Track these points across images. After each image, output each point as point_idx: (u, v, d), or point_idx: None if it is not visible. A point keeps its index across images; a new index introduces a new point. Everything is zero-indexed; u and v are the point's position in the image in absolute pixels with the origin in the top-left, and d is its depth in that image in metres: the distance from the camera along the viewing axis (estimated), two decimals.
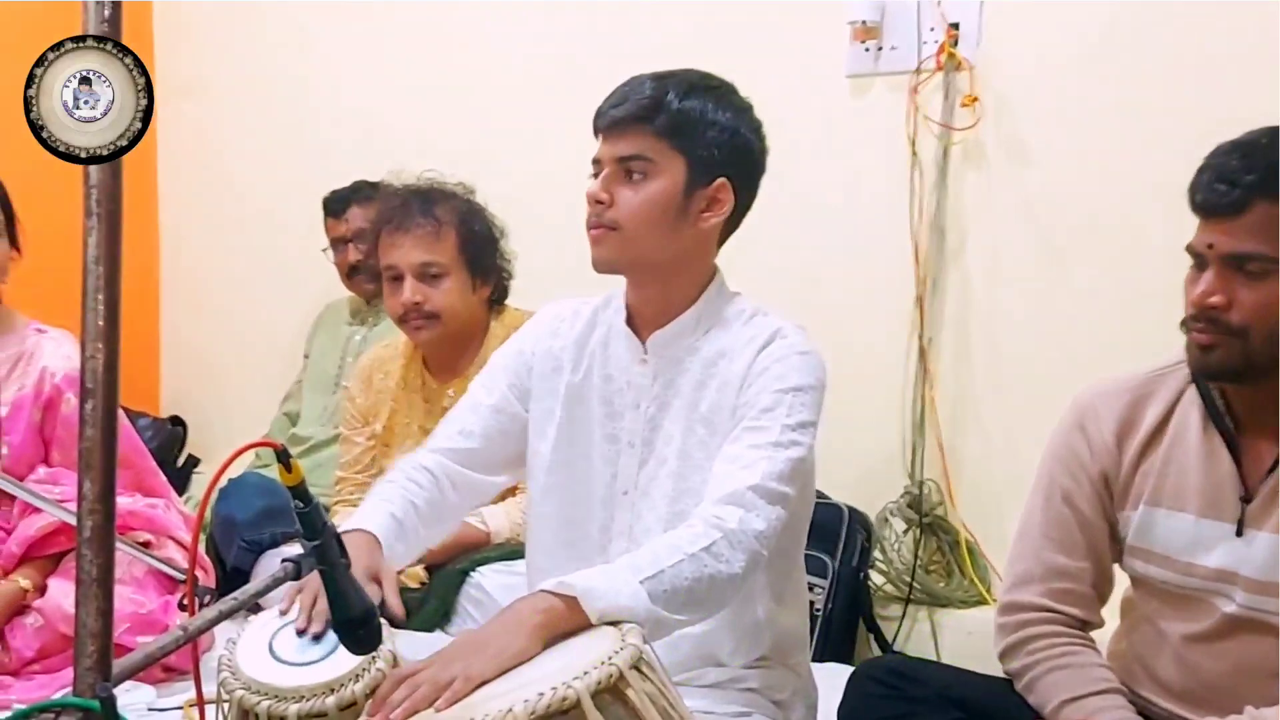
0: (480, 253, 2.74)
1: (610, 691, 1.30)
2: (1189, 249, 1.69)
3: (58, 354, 2.57)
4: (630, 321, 1.91)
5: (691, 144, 1.81)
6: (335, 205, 3.57)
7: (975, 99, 2.88)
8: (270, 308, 4.20)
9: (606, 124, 1.83)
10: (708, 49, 3.18)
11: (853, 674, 1.92)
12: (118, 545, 2.43)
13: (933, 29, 2.94)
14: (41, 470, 2.55)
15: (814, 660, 2.13)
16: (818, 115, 3.12)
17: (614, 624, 1.46)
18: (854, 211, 3.10)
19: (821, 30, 3.11)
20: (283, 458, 1.32)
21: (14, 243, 2.57)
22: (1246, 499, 1.71)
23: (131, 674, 1.02)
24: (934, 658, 2.83)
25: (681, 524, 1.67)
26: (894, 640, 2.91)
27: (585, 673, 1.30)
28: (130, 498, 2.57)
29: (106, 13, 0.91)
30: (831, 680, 2.08)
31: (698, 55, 3.14)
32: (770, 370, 1.79)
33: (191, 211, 4.35)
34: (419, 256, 2.67)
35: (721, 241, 1.91)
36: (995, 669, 1.91)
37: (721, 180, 1.83)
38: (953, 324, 2.99)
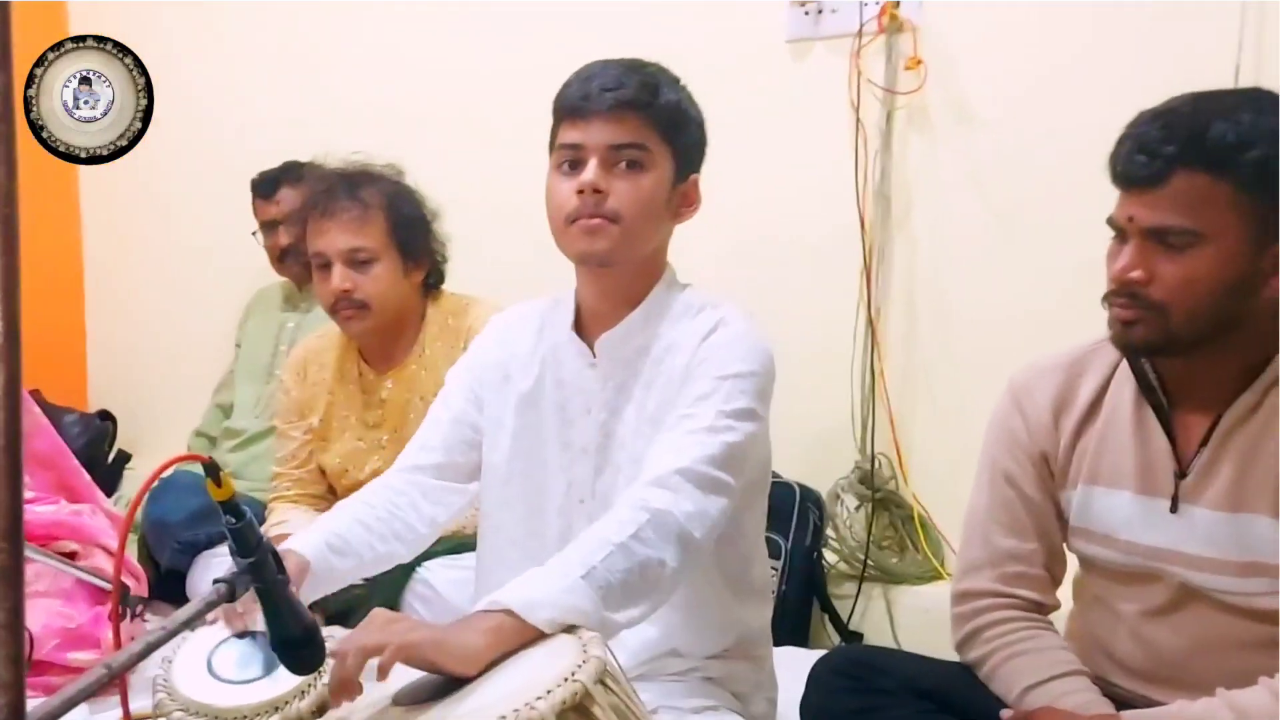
0: (411, 236, 2.64)
1: (575, 710, 1.24)
2: (1110, 221, 1.64)
3: None
4: (579, 323, 1.86)
5: (679, 138, 1.79)
6: (264, 187, 3.45)
7: (919, 61, 2.83)
8: (200, 295, 4.08)
9: (605, 106, 1.73)
10: (645, 14, 3.12)
11: (814, 666, 1.88)
12: (43, 559, 2.32)
13: None
14: None
15: None
16: (758, 82, 3.06)
17: (569, 629, 1.40)
18: (797, 180, 3.04)
19: None
20: (211, 471, 1.25)
21: None
22: (1180, 475, 1.68)
23: None
24: (890, 636, 2.82)
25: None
26: (849, 620, 2.88)
27: (549, 691, 1.24)
28: (54, 504, 2.46)
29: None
30: (790, 667, 2.04)
31: (637, 21, 3.11)
32: (710, 359, 1.74)
33: (114, 197, 4.22)
34: (346, 242, 2.57)
35: None
36: (952, 648, 1.88)
37: (695, 177, 1.83)
38: (901, 293, 2.95)
